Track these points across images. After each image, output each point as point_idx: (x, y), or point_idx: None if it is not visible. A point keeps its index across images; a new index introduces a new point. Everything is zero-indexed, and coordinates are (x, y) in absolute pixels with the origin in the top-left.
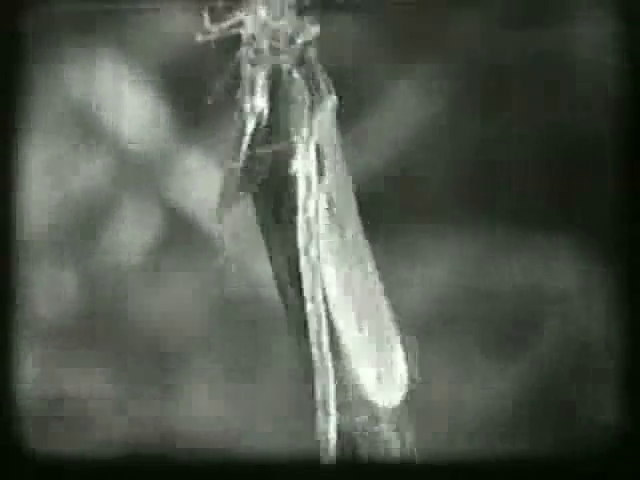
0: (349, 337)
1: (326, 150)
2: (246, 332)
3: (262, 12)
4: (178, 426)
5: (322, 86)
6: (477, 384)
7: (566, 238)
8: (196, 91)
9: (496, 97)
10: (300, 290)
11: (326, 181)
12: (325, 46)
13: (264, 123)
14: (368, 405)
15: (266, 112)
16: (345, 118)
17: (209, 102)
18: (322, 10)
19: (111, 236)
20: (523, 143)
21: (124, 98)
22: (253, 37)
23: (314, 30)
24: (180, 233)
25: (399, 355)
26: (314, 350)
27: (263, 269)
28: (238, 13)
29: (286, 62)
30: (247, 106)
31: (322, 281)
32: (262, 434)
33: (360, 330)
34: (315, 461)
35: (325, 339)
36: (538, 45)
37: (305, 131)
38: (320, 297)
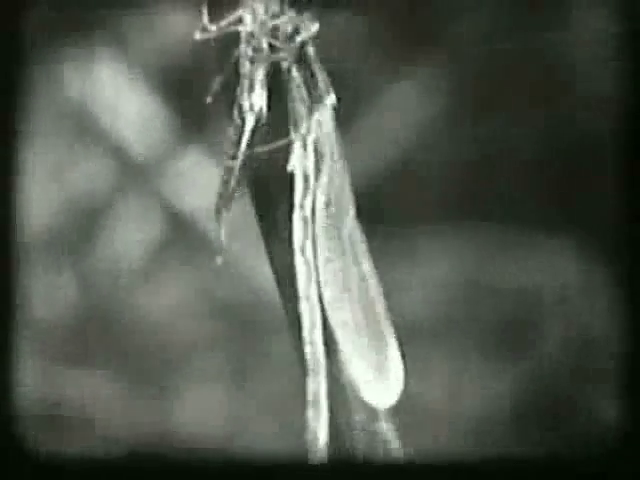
0: (344, 337)
1: (324, 148)
2: (245, 332)
3: (261, 10)
4: (177, 426)
5: (321, 84)
6: (477, 384)
7: (566, 238)
8: (195, 90)
9: (496, 97)
10: (296, 288)
11: (323, 179)
12: (324, 45)
13: (263, 121)
14: (366, 404)
15: (265, 110)
16: (344, 117)
17: (208, 101)
18: (321, 8)
19: (110, 237)
20: (523, 143)
21: (123, 98)
22: (252, 35)
23: (313, 28)
24: (179, 233)
25: (394, 356)
26: (307, 348)
27: (262, 268)
28: (237, 11)
29: (285, 60)
30: (246, 104)
31: (317, 280)
32: (261, 434)
33: (355, 330)
34: (308, 461)
35: (318, 338)
36: (538, 45)
37: (303, 129)
38: (314, 296)
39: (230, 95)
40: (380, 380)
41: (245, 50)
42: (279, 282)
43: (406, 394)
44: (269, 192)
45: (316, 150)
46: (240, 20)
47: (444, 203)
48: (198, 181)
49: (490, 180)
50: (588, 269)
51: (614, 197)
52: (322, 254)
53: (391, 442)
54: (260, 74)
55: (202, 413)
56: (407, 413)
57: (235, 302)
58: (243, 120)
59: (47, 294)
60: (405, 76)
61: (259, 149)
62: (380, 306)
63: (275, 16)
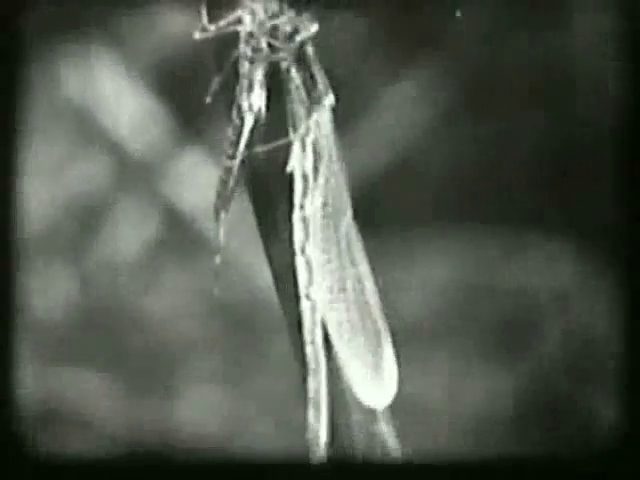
0: (340, 338)
1: (322, 149)
2: (244, 332)
3: (260, 10)
4: (177, 426)
5: (320, 85)
6: (477, 385)
7: (565, 239)
8: (194, 90)
9: (495, 98)
10: (296, 288)
11: (321, 180)
12: (323, 45)
13: (262, 121)
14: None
15: (264, 110)
16: (343, 118)
17: (207, 101)
18: (321, 8)
19: (109, 236)
20: (522, 144)
21: (122, 98)
22: (251, 35)
23: (312, 28)
24: (178, 233)
25: (389, 357)
26: (308, 348)
27: (261, 268)
28: (236, 11)
29: (284, 60)
30: (245, 104)
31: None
32: (260, 434)
33: (350, 331)
34: (308, 460)
35: (319, 338)
36: (538, 46)
37: (302, 129)
38: (314, 295)
39: (229, 95)
40: (375, 381)
41: (244, 50)
42: (278, 282)
43: (406, 394)
44: (268, 192)
45: (315, 151)
46: (239, 20)
47: (443, 204)
48: (197, 181)
49: (489, 181)
50: (587, 270)
51: (614, 198)
52: (318, 255)
53: (390, 442)
54: (259, 74)
55: (201, 413)
56: (407, 413)
57: (234, 302)
58: (242, 120)
59: (46, 294)
60: (404, 77)
61: (258, 149)
62: (376, 307)
63: (274, 16)
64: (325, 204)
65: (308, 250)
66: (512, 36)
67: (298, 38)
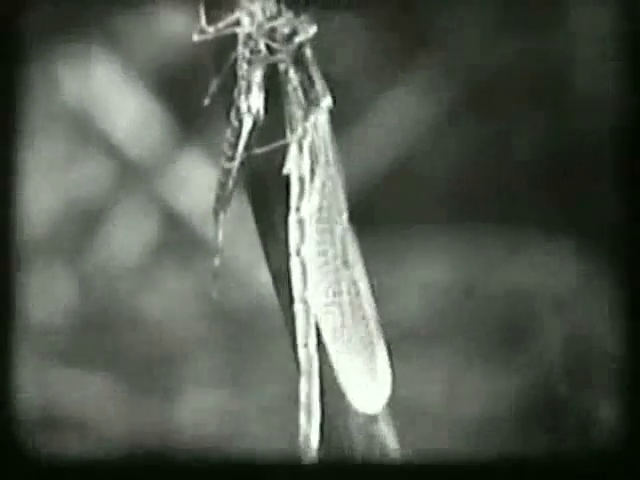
0: (334, 341)
1: (320, 151)
2: (243, 333)
3: (258, 11)
4: (176, 427)
5: (318, 86)
6: (476, 386)
7: (565, 239)
8: (192, 92)
9: (495, 98)
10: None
11: (317, 182)
12: (322, 47)
13: (260, 123)
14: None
15: (262, 112)
16: (341, 120)
17: (206, 103)
18: (319, 10)
19: (108, 238)
20: (522, 144)
21: (121, 100)
22: (249, 36)
23: (311, 30)
24: (177, 234)
25: (383, 361)
26: (301, 350)
27: (259, 270)
28: (234, 12)
29: (282, 61)
30: (243, 106)
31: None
32: (259, 435)
33: (344, 334)
34: (305, 461)
35: (312, 341)
36: (538, 46)
37: (299, 131)
38: (309, 297)
39: (227, 97)
40: (368, 385)
41: (243, 52)
42: (276, 284)
43: (405, 395)
44: (266, 194)
45: (312, 153)
46: (238, 22)
47: (441, 205)
48: (195, 182)
49: (489, 181)
50: (587, 270)
51: (614, 198)
52: (313, 257)
53: (389, 443)
54: (258, 76)
55: (200, 414)
56: (406, 414)
57: (233, 303)
58: (240, 122)
59: (46, 296)
60: (402, 79)
61: (256, 151)
62: (370, 310)
63: (273, 18)
64: (321, 207)
65: (303, 252)
66: (512, 36)
67: (296, 40)
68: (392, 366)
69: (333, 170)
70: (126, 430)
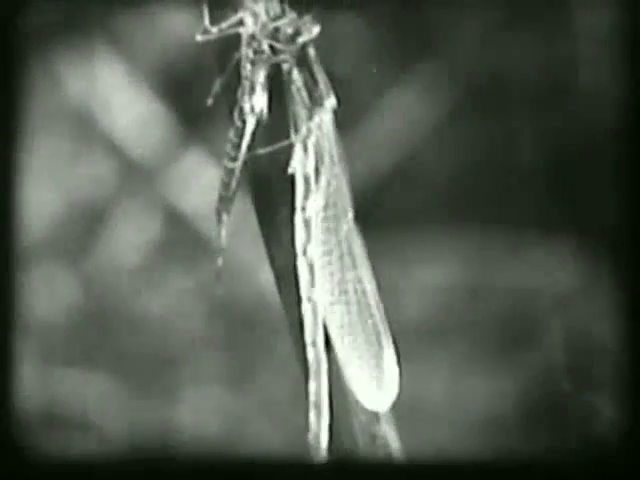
0: (341, 340)
1: (324, 151)
2: (245, 333)
3: (262, 12)
4: (178, 427)
5: (321, 86)
6: (478, 386)
7: (566, 239)
8: (196, 92)
9: (496, 98)
10: (298, 289)
11: (322, 182)
12: (325, 47)
13: (264, 123)
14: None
15: (266, 112)
16: (345, 119)
17: (209, 103)
18: (322, 10)
19: (110, 238)
20: (522, 144)
21: (124, 100)
22: (253, 37)
23: (314, 30)
24: (180, 234)
25: (390, 359)
26: (309, 349)
27: (262, 269)
28: (238, 13)
29: (286, 62)
30: (247, 106)
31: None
32: (261, 434)
33: (351, 333)
34: (308, 461)
35: (320, 339)
36: (539, 46)
37: (304, 131)
38: (316, 296)
39: (231, 97)
40: (376, 383)
41: (246, 52)
42: (280, 283)
43: (407, 395)
44: (270, 194)
45: (316, 152)
46: (241, 22)
47: (444, 205)
48: (199, 182)
49: (490, 182)
50: (588, 270)
51: (614, 198)
52: (319, 257)
53: (392, 443)
54: (261, 76)
55: (203, 414)
56: (408, 415)
57: (236, 303)
58: (244, 122)
59: (48, 296)
60: (406, 79)
61: (260, 151)
62: (377, 309)
63: (276, 18)
64: (326, 206)
65: (310, 252)
66: (514, 37)
67: (300, 40)
68: (400, 363)
69: (338, 169)
70: (127, 430)
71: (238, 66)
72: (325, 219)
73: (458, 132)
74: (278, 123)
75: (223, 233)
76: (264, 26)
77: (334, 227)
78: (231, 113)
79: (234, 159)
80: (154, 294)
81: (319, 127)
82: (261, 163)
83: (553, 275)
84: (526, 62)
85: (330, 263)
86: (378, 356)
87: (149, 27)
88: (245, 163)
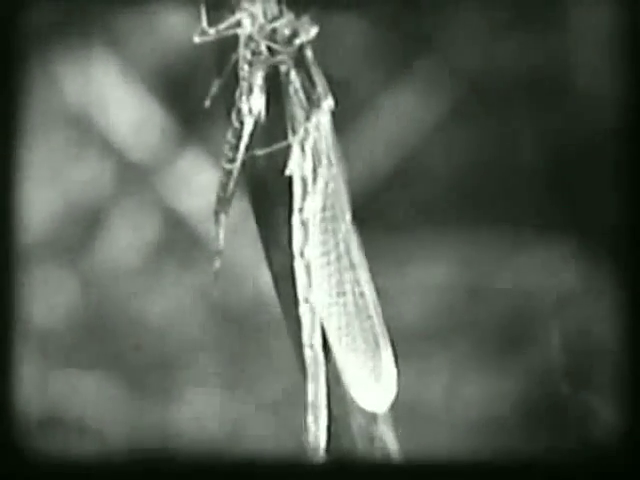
0: (339, 341)
1: (322, 152)
2: (244, 334)
3: (260, 13)
4: (177, 428)
5: (319, 87)
6: (477, 387)
7: (566, 240)
8: (193, 93)
9: (496, 98)
10: (296, 291)
11: (320, 183)
12: (323, 48)
13: (261, 124)
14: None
15: (263, 113)
16: (343, 121)
17: (207, 104)
18: (320, 11)
19: (109, 239)
20: (522, 144)
21: (122, 101)
22: (251, 38)
23: (312, 31)
24: (178, 236)
25: (388, 360)
26: (306, 351)
27: (260, 271)
28: (236, 14)
29: (284, 63)
30: (245, 107)
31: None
32: (260, 435)
33: (349, 334)
34: (308, 461)
35: (318, 341)
36: (538, 45)
37: (301, 132)
38: (314, 298)
39: (229, 98)
40: (374, 384)
41: (244, 53)
42: (278, 285)
43: (405, 396)
44: (268, 195)
45: (314, 154)
46: (239, 23)
47: (442, 205)
48: (197, 184)
49: (489, 182)
50: (588, 270)
51: (614, 198)
52: (317, 258)
53: (390, 444)
54: (259, 77)
55: (202, 416)
56: (406, 415)
57: (234, 305)
58: (242, 123)
59: (46, 296)
60: (404, 79)
61: (257, 152)
62: (374, 310)
63: (274, 19)
64: (324, 207)
65: (307, 253)
66: (512, 36)
67: (297, 41)
68: (398, 364)
69: (335, 171)
70: (127, 431)
71: (236, 67)
72: (323, 220)
73: (457, 132)
74: (276, 124)
75: (221, 234)
76: (262, 27)
77: (332, 228)
78: (229, 114)
79: (232, 160)
80: (152, 295)
81: (317, 128)
82: (259, 164)
83: (553, 275)
84: (526, 61)
85: (328, 264)
86: (376, 357)
87: (147, 28)
88: (243, 164)
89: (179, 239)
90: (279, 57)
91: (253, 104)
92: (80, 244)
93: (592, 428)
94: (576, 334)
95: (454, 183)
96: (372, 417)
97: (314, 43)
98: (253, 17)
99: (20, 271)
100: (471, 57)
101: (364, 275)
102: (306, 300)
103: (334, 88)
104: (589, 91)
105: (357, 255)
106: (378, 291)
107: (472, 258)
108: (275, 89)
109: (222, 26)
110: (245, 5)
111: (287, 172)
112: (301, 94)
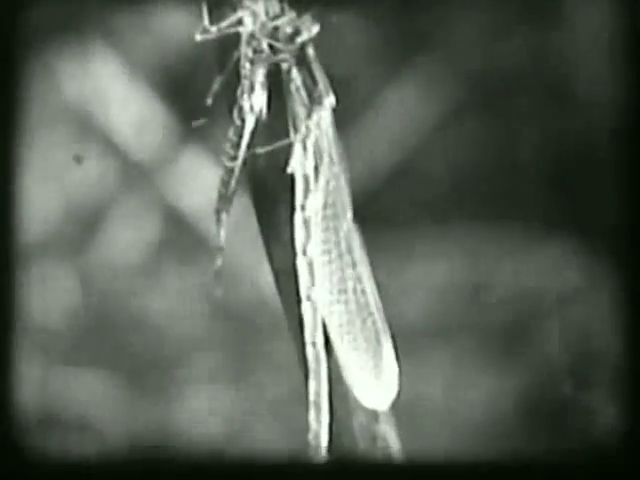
0: (340, 339)
1: (323, 150)
2: (245, 332)
3: (261, 11)
4: (177, 427)
5: (320, 85)
6: (478, 386)
7: (567, 239)
8: (195, 91)
9: (496, 98)
10: (297, 289)
11: (322, 181)
12: (324, 46)
13: (262, 122)
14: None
15: (265, 111)
16: (344, 118)
17: (208, 102)
18: (322, 9)
19: (109, 237)
20: (523, 144)
21: (123, 99)
22: (252, 36)
23: (313, 29)
24: (179, 234)
25: (389, 358)
26: (309, 349)
27: (262, 269)
28: (237, 12)
29: (285, 61)
30: (246, 105)
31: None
32: (261, 434)
33: (351, 332)
34: (308, 461)
35: (320, 339)
36: (538, 45)
37: (303, 130)
38: (315, 295)
39: (230, 96)
40: (375, 382)
41: (245, 51)
42: (279, 283)
43: (406, 395)
44: (269, 193)
45: (315, 152)
46: (240, 21)
47: (444, 204)
48: (198, 182)
49: (490, 181)
50: (590, 269)
51: (616, 198)
52: (319, 256)
53: (391, 443)
54: (260, 75)
55: (202, 414)
56: (407, 414)
57: (235, 303)
58: (243, 121)
59: (46, 295)
60: (405, 77)
61: (259, 150)
62: (376, 308)
63: (275, 17)
64: (326, 205)
65: (309, 251)
66: (512, 36)
67: (299, 39)
68: (399, 363)
69: (337, 168)
70: (126, 430)
71: (237, 65)
72: (324, 218)
73: (458, 130)
74: (277, 122)
75: (222, 232)
76: (263, 25)
77: (334, 226)
78: (230, 112)
79: (233, 158)
80: (153, 294)
81: (318, 126)
82: (260, 162)
83: (553, 275)
84: (527, 60)
85: (330, 262)
86: (377, 355)
87: (148, 26)
88: (244, 162)
89: (180, 237)
90: (281, 55)
91: (254, 102)
92: (80, 242)
93: (593, 428)
94: (577, 333)
95: (455, 181)
96: (374, 416)
97: (315, 41)
98: (255, 15)
99: (20, 270)
100: (472, 55)
101: (366, 273)
102: (308, 298)
103: (335, 86)
104: (590, 91)
105: (359, 253)
106: (379, 289)
107: (473, 256)
108: (276, 87)
109: (224, 24)
110: (247, 3)
111: (289, 170)
112: (302, 92)
